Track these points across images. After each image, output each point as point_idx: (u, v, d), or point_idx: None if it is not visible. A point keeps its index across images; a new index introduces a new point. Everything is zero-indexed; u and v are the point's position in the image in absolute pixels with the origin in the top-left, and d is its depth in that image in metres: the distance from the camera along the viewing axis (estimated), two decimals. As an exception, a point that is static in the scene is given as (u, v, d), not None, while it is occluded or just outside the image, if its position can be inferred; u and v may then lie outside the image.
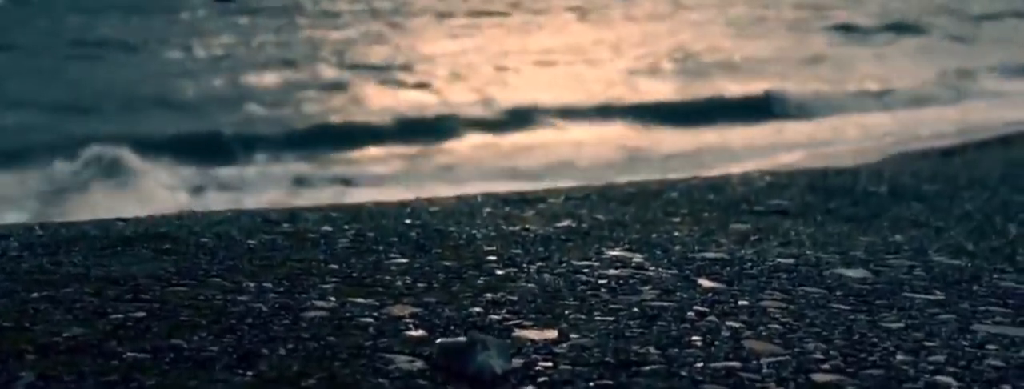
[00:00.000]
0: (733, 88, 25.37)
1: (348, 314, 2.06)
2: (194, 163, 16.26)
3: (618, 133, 18.33)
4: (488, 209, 3.62)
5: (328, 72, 28.79)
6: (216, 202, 11.67)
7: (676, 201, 3.87)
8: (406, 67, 30.32)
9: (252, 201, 11.47)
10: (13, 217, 12.06)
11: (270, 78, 27.75)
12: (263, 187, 13.48)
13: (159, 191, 13.84)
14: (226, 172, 14.58)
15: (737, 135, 17.27)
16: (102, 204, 12.96)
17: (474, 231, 3.06)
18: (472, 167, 14.95)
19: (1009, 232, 3.40)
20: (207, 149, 17.41)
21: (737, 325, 2.06)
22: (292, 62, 31.43)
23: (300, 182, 13.56)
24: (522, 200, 3.85)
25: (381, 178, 13.40)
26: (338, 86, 26.44)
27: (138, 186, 14.52)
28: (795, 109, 20.45)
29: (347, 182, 13.20)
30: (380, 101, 22.39)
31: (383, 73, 29.05)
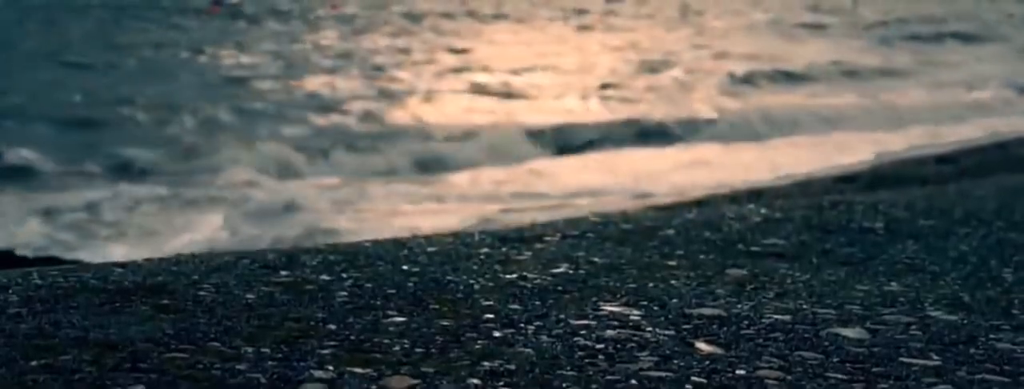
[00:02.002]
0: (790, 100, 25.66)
1: (346, 387, 2.07)
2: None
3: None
4: (485, 249, 3.62)
5: (414, 79, 28.78)
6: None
7: (672, 240, 3.88)
8: (478, 72, 30.37)
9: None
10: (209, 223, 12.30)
11: (352, 85, 27.69)
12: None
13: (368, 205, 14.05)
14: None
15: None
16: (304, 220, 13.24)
17: (471, 280, 3.07)
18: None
19: (1004, 280, 3.41)
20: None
21: (734, 401, 2.07)
22: (350, 67, 31.36)
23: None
24: (519, 238, 3.86)
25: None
26: (436, 94, 26.50)
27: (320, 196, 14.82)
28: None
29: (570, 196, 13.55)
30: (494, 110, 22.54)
31: (454, 79, 29.06)
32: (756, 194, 17.74)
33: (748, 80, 30.10)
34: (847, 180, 17.86)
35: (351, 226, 14.14)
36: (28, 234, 13.87)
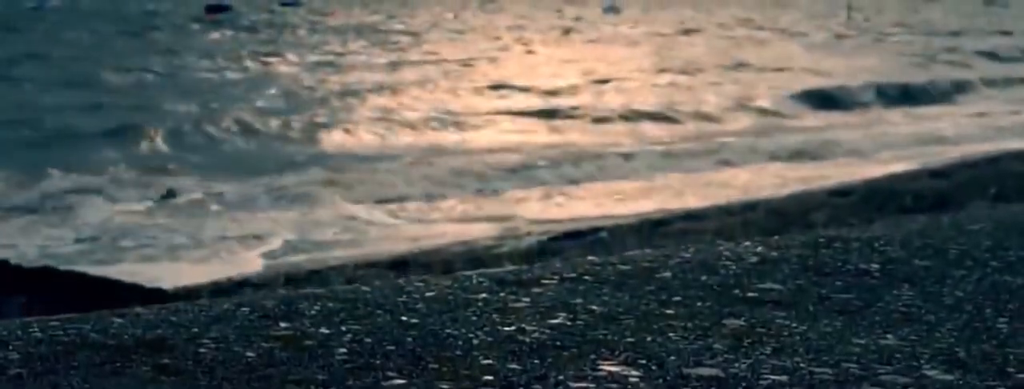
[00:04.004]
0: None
1: (348, 463, 2.08)
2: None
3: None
4: (483, 295, 3.64)
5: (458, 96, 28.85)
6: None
7: (669, 285, 3.89)
8: (511, 89, 30.35)
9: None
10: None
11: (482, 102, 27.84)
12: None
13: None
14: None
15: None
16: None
17: (470, 334, 3.08)
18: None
19: (1000, 332, 3.43)
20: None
21: (733, 480, 2.08)
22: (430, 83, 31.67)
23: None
24: (516, 282, 3.87)
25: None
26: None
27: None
28: None
29: None
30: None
31: (488, 96, 29.07)
32: (751, 207, 17.79)
33: (797, 99, 29.49)
34: (841, 194, 17.92)
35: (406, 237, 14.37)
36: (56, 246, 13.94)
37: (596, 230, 15.76)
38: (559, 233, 15.79)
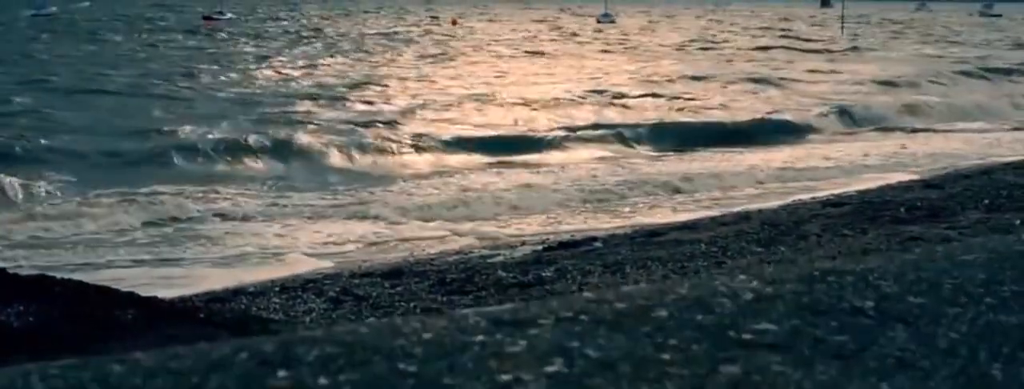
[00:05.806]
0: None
1: None
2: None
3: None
4: (480, 337, 3.65)
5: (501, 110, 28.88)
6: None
7: (665, 325, 3.91)
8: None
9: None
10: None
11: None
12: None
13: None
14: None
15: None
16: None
17: (467, 385, 3.10)
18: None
19: (994, 379, 3.45)
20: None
21: None
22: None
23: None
24: (513, 321, 3.89)
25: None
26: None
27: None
28: None
29: None
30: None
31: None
32: (745, 217, 17.86)
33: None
34: (835, 205, 18.00)
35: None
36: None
37: (591, 240, 15.82)
38: (554, 243, 15.83)
